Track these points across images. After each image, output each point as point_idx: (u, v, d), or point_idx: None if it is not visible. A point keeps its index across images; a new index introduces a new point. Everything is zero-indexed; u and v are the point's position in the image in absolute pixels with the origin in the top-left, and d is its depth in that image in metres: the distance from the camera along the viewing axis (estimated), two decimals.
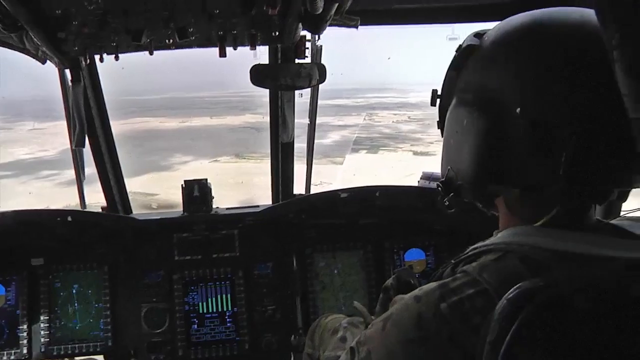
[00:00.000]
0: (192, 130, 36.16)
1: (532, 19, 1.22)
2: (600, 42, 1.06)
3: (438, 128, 1.44)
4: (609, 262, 1.07)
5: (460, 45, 1.33)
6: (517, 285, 0.99)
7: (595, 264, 1.07)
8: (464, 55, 1.30)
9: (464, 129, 1.25)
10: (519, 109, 1.13)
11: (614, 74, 0.92)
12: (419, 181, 3.48)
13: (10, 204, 14.67)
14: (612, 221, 1.26)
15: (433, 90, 1.42)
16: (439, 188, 1.38)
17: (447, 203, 1.38)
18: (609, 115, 1.07)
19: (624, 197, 1.23)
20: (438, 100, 1.42)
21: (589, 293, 0.95)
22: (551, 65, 1.13)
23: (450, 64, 1.34)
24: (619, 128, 1.05)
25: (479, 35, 1.31)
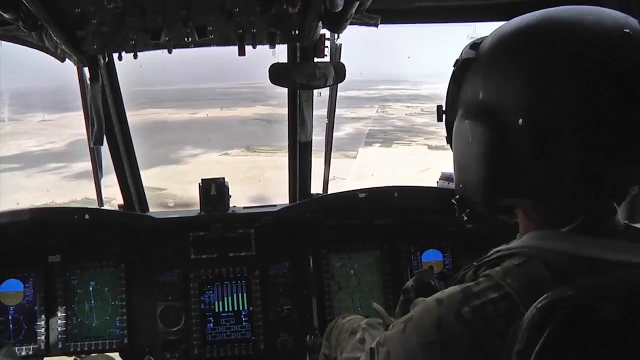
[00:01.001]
0: (202, 122, 35.90)
1: (524, 24, 1.20)
2: (597, 39, 1.08)
3: (447, 143, 1.43)
4: (636, 269, 1.05)
5: (457, 60, 1.32)
6: (546, 295, 0.97)
7: (623, 271, 1.05)
8: (463, 69, 1.30)
9: (470, 144, 1.25)
10: (520, 119, 1.13)
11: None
12: (437, 182, 3.44)
13: (16, 197, 14.78)
14: None
15: (438, 106, 1.43)
16: (455, 206, 1.38)
17: (465, 218, 1.37)
18: (611, 114, 1.06)
19: None
20: (444, 116, 1.42)
21: (618, 302, 0.94)
22: (545, 68, 1.12)
23: (450, 78, 1.35)
24: (624, 126, 1.06)
25: (475, 45, 1.29)
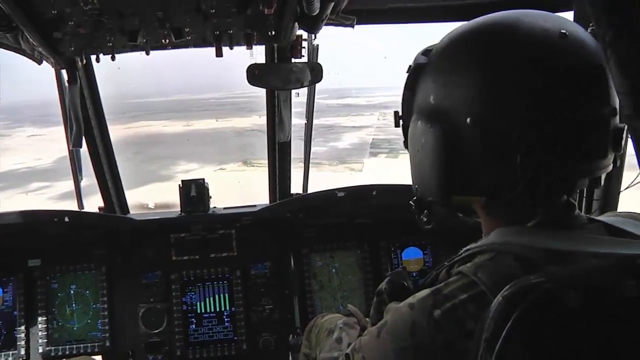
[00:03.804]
0: (197, 134, 35.14)
1: (472, 28, 1.25)
2: (536, 41, 1.14)
3: (405, 147, 1.47)
4: (600, 259, 1.08)
5: (410, 66, 1.36)
6: (512, 283, 0.99)
7: (587, 262, 1.08)
8: (415, 74, 1.33)
9: (423, 145, 1.29)
10: (469, 118, 1.17)
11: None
12: None
13: None
14: (603, 218, 1.27)
15: (395, 112, 1.46)
16: (412, 207, 1.41)
17: (424, 219, 1.41)
18: (554, 113, 1.12)
19: (596, 183, 1.26)
20: (401, 121, 1.45)
21: (581, 290, 0.96)
22: (489, 70, 1.16)
23: (405, 84, 1.37)
24: (567, 125, 1.12)
25: (427, 52, 1.34)
